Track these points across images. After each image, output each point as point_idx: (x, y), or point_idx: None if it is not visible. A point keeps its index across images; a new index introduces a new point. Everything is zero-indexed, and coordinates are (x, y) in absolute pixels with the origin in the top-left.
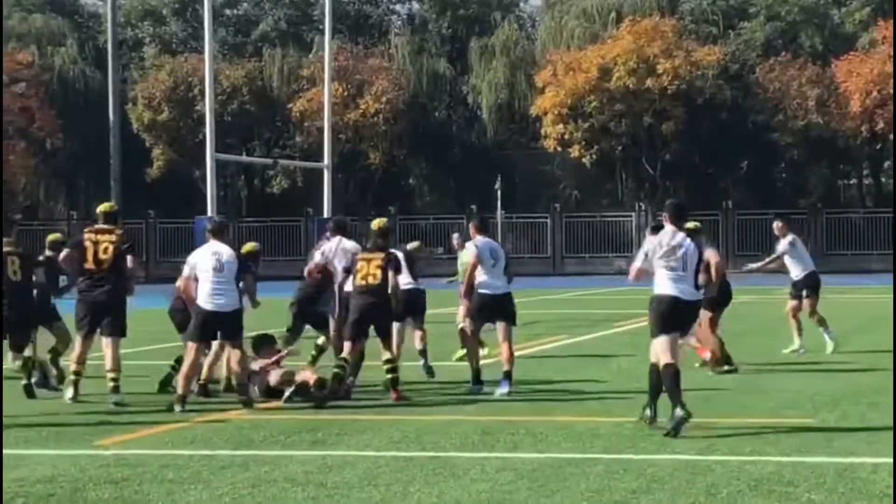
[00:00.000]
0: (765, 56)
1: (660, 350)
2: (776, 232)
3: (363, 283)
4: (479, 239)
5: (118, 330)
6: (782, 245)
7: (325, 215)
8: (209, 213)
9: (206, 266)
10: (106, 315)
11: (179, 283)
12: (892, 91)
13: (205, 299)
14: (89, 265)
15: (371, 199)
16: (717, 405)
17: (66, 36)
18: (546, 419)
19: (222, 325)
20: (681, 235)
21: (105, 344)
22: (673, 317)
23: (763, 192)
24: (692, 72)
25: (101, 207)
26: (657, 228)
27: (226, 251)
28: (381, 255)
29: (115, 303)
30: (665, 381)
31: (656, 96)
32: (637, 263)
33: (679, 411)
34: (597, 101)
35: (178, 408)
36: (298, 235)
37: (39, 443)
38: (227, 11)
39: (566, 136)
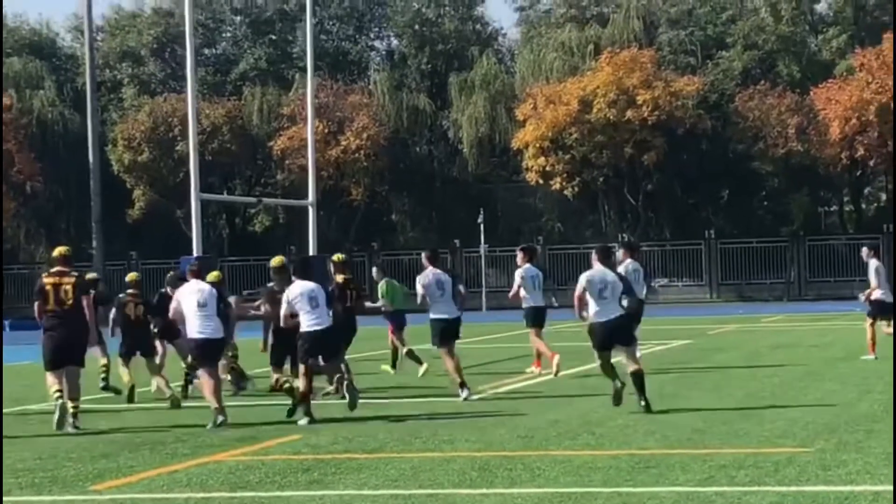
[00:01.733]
0: (743, 85)
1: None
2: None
3: None
4: (430, 271)
5: (80, 361)
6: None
7: (311, 252)
8: (195, 253)
9: (191, 303)
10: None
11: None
12: (871, 118)
13: (195, 331)
14: (51, 306)
15: (353, 235)
16: (712, 434)
17: (44, 78)
18: (542, 454)
19: (212, 351)
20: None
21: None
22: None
23: (744, 221)
24: (672, 102)
25: (57, 251)
26: (605, 250)
27: (206, 287)
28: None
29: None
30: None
31: (637, 127)
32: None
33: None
34: (577, 133)
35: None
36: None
37: (34, 489)
38: (206, 51)
39: (548, 169)
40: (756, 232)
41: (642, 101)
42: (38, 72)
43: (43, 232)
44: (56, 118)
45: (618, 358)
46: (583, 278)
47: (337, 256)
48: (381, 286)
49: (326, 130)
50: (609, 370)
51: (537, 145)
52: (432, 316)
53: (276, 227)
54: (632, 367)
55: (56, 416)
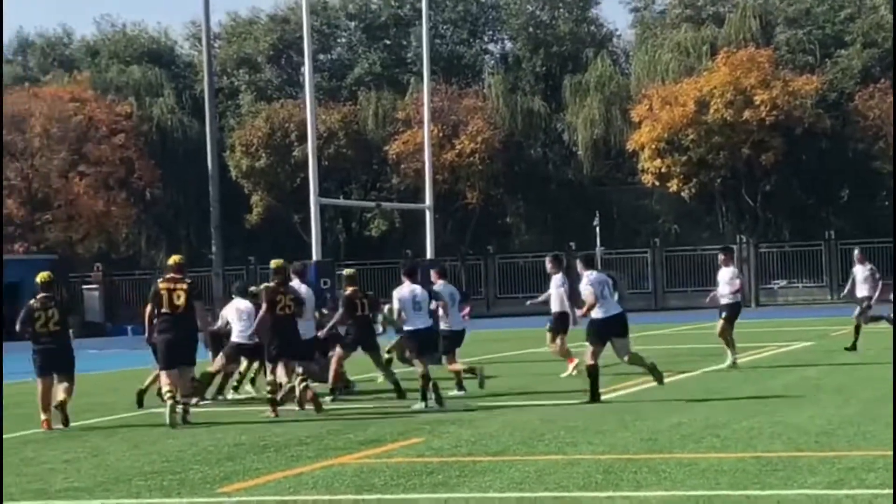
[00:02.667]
0: (863, 83)
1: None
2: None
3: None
4: (441, 284)
5: (191, 360)
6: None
7: (428, 256)
8: (314, 258)
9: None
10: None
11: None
12: None
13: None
14: (165, 309)
15: (469, 238)
16: (839, 437)
17: (163, 86)
18: (667, 456)
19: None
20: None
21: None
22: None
23: (865, 221)
24: (790, 102)
25: (172, 259)
26: (588, 259)
27: (304, 289)
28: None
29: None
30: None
31: (754, 128)
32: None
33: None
34: (694, 134)
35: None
36: (398, 277)
37: (163, 492)
38: (322, 56)
39: (664, 171)
40: (877, 232)
41: (760, 101)
42: (158, 79)
43: (163, 238)
44: (175, 125)
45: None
46: (592, 282)
47: (346, 272)
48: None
49: (441, 134)
50: (594, 369)
51: (653, 147)
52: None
53: (392, 230)
54: (628, 357)
55: (167, 413)
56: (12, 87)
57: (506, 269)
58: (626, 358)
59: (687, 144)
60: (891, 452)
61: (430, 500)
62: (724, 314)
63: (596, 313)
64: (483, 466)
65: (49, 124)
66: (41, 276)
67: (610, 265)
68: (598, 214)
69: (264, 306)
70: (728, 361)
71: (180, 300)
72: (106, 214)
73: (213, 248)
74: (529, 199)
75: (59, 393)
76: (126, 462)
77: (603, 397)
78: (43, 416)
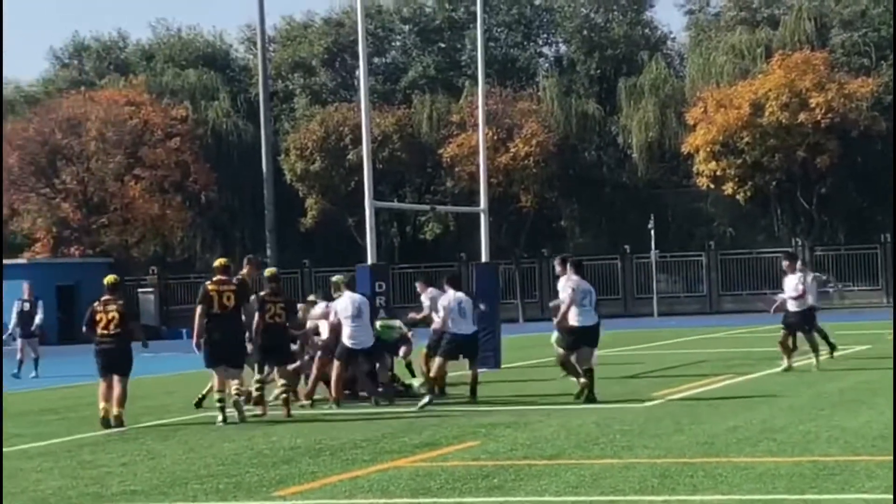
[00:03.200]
0: None
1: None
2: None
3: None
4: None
5: (239, 361)
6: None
7: (483, 259)
8: (369, 261)
9: (347, 313)
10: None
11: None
12: None
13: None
14: (215, 310)
15: (524, 241)
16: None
17: (218, 90)
18: (723, 460)
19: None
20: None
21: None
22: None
23: None
24: (845, 104)
25: (218, 262)
26: (578, 265)
27: (360, 297)
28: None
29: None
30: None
31: (809, 130)
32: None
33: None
34: (749, 136)
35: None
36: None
37: (219, 495)
38: (376, 60)
39: (719, 173)
40: None
41: (815, 104)
42: (213, 83)
43: (218, 241)
44: (230, 129)
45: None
46: (571, 288)
47: (268, 271)
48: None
49: (496, 137)
50: (572, 368)
51: (708, 150)
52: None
53: (446, 234)
54: (587, 366)
55: (219, 417)
56: (68, 91)
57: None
58: (584, 366)
59: (742, 147)
60: None
61: (486, 503)
62: (791, 320)
63: (573, 320)
64: (538, 470)
65: (105, 128)
66: (107, 279)
67: (665, 268)
68: (652, 217)
69: (257, 315)
70: (784, 365)
71: (230, 301)
72: (161, 218)
73: (268, 252)
74: (584, 202)
75: (114, 407)
76: (182, 465)
77: (659, 401)
78: (101, 405)
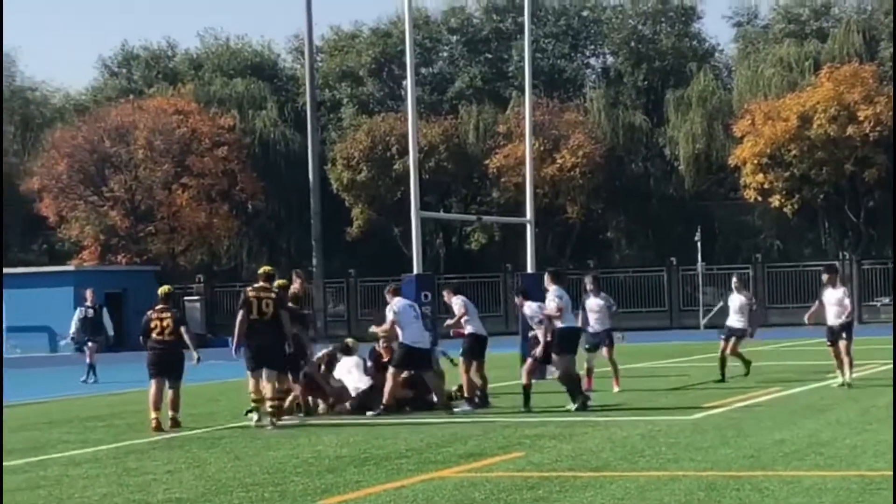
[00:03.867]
0: None
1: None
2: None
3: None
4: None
5: (277, 364)
6: None
7: (529, 270)
8: (415, 271)
9: (409, 316)
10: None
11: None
12: None
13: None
14: (254, 316)
15: (569, 252)
16: None
17: (266, 99)
18: (770, 474)
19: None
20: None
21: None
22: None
23: None
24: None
25: (262, 270)
26: (558, 275)
27: (405, 302)
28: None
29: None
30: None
31: (858, 143)
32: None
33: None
34: (797, 149)
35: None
36: (498, 291)
37: (264, 503)
38: (423, 70)
39: (766, 186)
40: None
41: (864, 117)
42: (261, 92)
43: (264, 250)
44: (277, 138)
45: None
46: (558, 297)
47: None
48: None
49: (542, 148)
50: (577, 380)
51: (755, 162)
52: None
53: (491, 244)
54: (558, 374)
55: (254, 417)
56: (117, 100)
57: (606, 284)
58: (557, 374)
59: (790, 160)
60: None
61: None
62: (843, 334)
63: (559, 324)
64: (583, 482)
65: (153, 137)
66: (161, 290)
67: (711, 280)
68: (699, 230)
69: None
70: (840, 380)
71: (268, 308)
72: (208, 226)
73: (314, 261)
74: (630, 213)
75: (169, 410)
76: (227, 473)
77: (705, 413)
78: (153, 415)
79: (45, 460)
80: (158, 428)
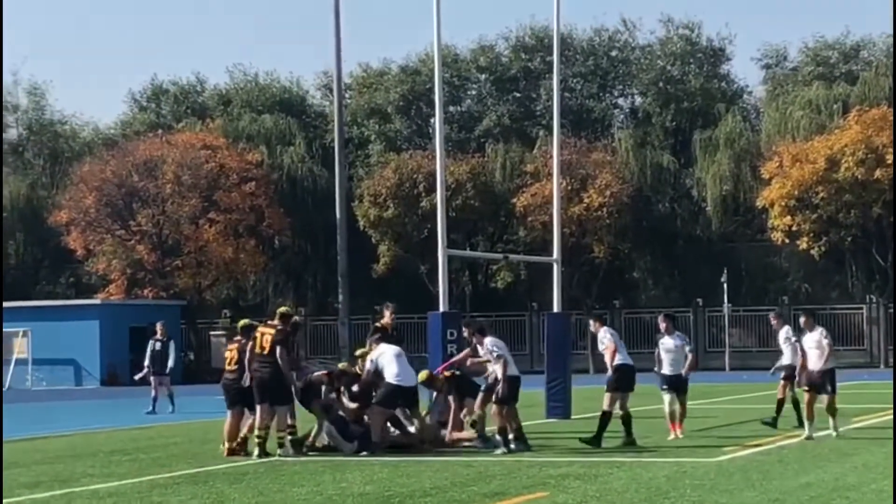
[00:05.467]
0: None
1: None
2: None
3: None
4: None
5: (280, 400)
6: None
7: (555, 309)
8: (441, 308)
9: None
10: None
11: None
12: None
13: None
14: (257, 351)
15: (595, 292)
16: None
17: (294, 135)
18: None
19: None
20: None
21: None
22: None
23: None
24: None
25: (279, 310)
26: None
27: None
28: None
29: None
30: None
31: (886, 187)
32: None
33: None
34: (825, 192)
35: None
36: (524, 329)
37: None
38: (451, 108)
39: (794, 228)
40: None
41: (891, 160)
42: (289, 129)
43: (290, 286)
44: (305, 174)
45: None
46: (497, 346)
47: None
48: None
49: (569, 188)
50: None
51: (783, 204)
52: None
53: (517, 283)
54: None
55: (256, 451)
56: (145, 134)
57: (632, 324)
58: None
59: (817, 202)
60: None
61: None
62: (828, 387)
63: (512, 371)
64: None
65: (181, 171)
66: (241, 323)
67: (737, 322)
68: (725, 271)
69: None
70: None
71: (266, 343)
72: (234, 261)
73: (340, 297)
74: (657, 254)
75: (275, 433)
76: None
77: (730, 455)
78: (226, 445)
79: (69, 493)
80: (234, 451)
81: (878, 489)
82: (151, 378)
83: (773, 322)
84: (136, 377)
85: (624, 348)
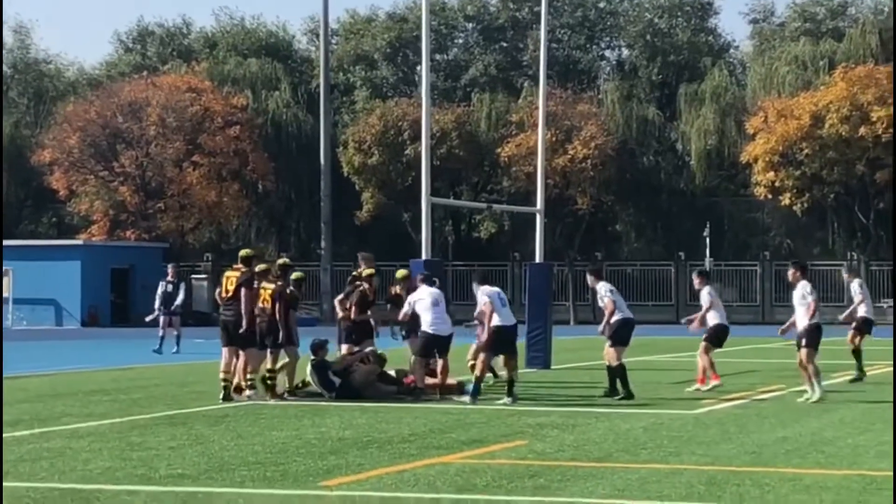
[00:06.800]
0: None
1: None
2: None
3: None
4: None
5: (244, 343)
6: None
7: (537, 260)
8: (423, 257)
9: (426, 303)
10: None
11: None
12: None
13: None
14: (223, 295)
15: (578, 244)
16: None
17: (279, 80)
18: (771, 470)
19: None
20: None
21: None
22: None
23: None
24: None
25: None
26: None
27: (436, 291)
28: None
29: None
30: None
31: (870, 144)
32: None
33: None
34: (809, 148)
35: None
36: (506, 279)
37: (266, 482)
38: (438, 56)
39: (777, 184)
40: None
41: (876, 118)
42: (275, 73)
43: (273, 231)
44: (290, 119)
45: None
46: (487, 295)
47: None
48: None
49: (554, 139)
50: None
51: (767, 159)
52: (495, 324)
53: (500, 233)
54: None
55: (220, 395)
56: (130, 76)
57: (614, 277)
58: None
59: (801, 158)
60: None
61: (532, 503)
62: (803, 341)
63: (496, 321)
64: (585, 472)
65: (165, 114)
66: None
67: (719, 277)
68: (708, 225)
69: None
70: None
71: (231, 286)
72: (217, 205)
73: (322, 244)
74: (640, 207)
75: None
76: (230, 451)
77: (708, 408)
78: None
79: (49, 432)
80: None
81: (854, 444)
82: (161, 318)
83: (846, 276)
84: (148, 319)
85: (623, 303)
